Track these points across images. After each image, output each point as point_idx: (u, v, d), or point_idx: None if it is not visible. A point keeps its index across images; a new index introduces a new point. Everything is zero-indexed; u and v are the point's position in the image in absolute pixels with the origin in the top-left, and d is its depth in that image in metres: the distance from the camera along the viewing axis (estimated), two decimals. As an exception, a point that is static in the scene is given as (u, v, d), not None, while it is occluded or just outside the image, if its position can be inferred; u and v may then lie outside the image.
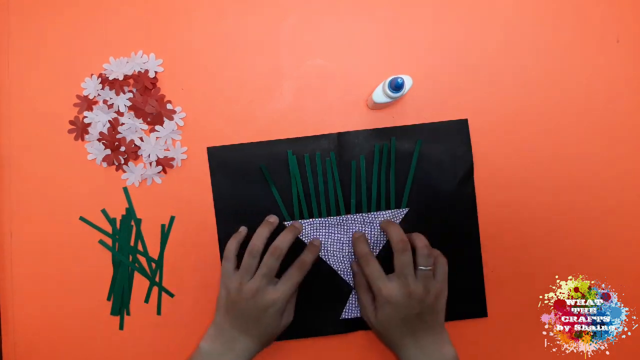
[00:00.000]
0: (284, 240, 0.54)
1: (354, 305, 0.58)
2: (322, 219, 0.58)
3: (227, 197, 0.58)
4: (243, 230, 0.57)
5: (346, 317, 0.58)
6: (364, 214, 0.58)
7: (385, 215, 0.58)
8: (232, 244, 0.55)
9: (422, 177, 0.58)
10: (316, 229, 0.58)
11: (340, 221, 0.58)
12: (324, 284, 0.58)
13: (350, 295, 0.59)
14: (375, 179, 0.58)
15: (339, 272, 0.58)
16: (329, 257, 0.58)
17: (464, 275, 0.58)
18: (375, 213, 0.58)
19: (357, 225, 0.58)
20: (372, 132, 0.58)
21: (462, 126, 0.58)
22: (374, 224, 0.58)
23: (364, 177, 0.58)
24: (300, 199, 0.58)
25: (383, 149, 0.58)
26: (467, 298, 0.58)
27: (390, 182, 0.58)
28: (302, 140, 0.58)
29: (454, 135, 0.58)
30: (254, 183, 0.58)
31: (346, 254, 0.58)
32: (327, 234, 0.58)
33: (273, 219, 0.57)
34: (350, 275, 0.59)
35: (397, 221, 0.58)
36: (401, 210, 0.58)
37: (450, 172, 0.58)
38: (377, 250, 0.58)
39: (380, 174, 0.58)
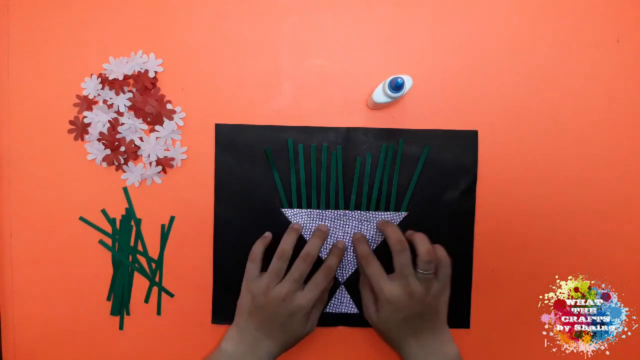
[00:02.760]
0: (314, 247, 0.55)
1: (339, 301, 0.59)
2: (320, 211, 0.58)
3: (228, 177, 0.58)
4: (268, 235, 0.58)
5: (330, 311, 0.59)
6: (362, 212, 0.58)
7: (383, 216, 0.58)
8: (259, 247, 0.56)
9: (424, 182, 0.58)
10: (312, 220, 0.58)
11: (338, 216, 0.58)
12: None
13: (337, 291, 0.59)
14: (378, 178, 0.58)
15: None
16: (321, 250, 0.58)
17: (451, 287, 0.55)
18: (373, 212, 0.58)
19: (354, 221, 0.58)
20: (381, 131, 0.58)
21: (471, 137, 0.58)
22: (371, 223, 0.58)
23: (367, 175, 0.58)
24: (300, 187, 0.58)
25: (389, 150, 0.58)
26: (450, 309, 0.55)
27: (393, 183, 0.58)
28: (310, 130, 0.58)
29: (462, 145, 0.58)
30: (258, 166, 0.58)
31: None
32: None
33: (297, 226, 0.57)
34: (339, 270, 0.59)
35: (395, 224, 0.58)
36: (400, 213, 0.58)
37: (454, 182, 0.58)
38: (373, 249, 0.58)
39: (384, 175, 0.58)
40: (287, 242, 0.55)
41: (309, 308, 0.53)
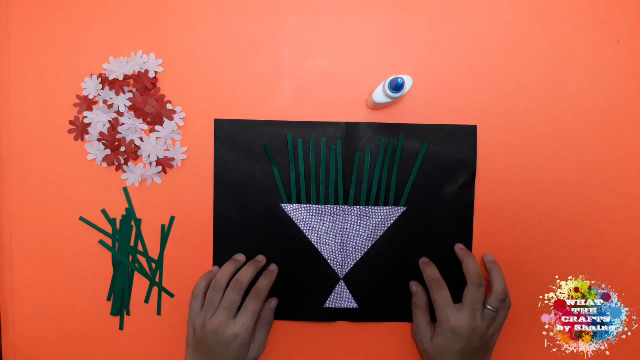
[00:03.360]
0: (245, 274, 0.54)
1: (338, 296, 0.59)
2: (319, 206, 0.58)
3: (227, 172, 0.58)
4: (215, 269, 0.58)
5: (329, 306, 0.59)
6: (361, 207, 0.58)
7: (382, 211, 0.58)
8: (202, 282, 0.56)
9: (423, 177, 0.58)
10: (312, 215, 0.58)
11: (336, 210, 0.58)
12: (312, 270, 0.59)
13: (337, 286, 0.59)
14: (377, 173, 0.58)
15: (329, 261, 0.59)
16: (321, 245, 0.59)
17: (448, 281, 0.56)
18: (372, 207, 0.58)
19: (353, 216, 0.58)
20: (380, 126, 0.58)
21: (470, 132, 0.58)
22: (371, 218, 0.58)
23: (366, 169, 0.58)
24: (299, 182, 0.58)
25: (389, 145, 0.58)
26: None
27: (392, 178, 0.58)
28: (310, 125, 0.58)
29: (461, 139, 0.58)
30: (257, 161, 0.58)
31: (338, 244, 0.59)
32: (321, 221, 0.59)
33: (240, 257, 0.58)
34: (339, 265, 0.59)
35: (394, 218, 0.58)
36: (399, 207, 0.58)
37: (452, 176, 0.58)
38: (369, 245, 0.59)
39: (383, 169, 0.58)
40: (223, 273, 0.55)
41: (245, 334, 0.52)
